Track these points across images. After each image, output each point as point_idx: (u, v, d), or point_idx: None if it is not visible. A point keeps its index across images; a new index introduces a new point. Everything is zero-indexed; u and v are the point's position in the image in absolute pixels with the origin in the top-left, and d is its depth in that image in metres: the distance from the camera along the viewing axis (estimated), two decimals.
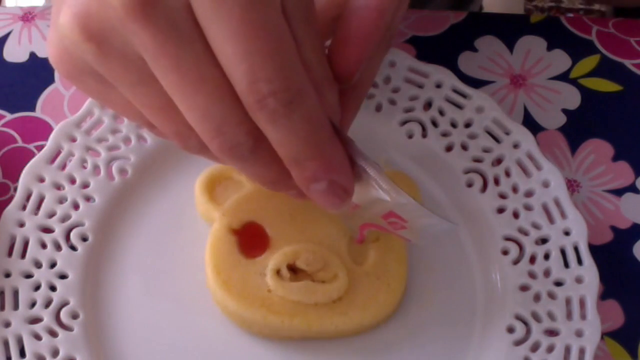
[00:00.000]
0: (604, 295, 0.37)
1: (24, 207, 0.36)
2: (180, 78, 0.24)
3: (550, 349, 0.34)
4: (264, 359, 0.35)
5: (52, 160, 0.37)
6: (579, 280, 0.36)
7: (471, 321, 0.36)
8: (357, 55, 0.29)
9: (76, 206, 0.37)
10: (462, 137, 0.39)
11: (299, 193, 0.28)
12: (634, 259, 0.38)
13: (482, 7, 0.72)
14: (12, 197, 0.37)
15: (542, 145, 0.41)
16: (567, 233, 0.37)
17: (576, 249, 0.36)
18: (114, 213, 0.37)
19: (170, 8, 0.24)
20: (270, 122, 0.25)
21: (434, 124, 0.40)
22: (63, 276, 0.35)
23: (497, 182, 0.38)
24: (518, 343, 0.35)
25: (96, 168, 0.37)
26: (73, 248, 0.36)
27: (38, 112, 0.41)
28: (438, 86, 0.40)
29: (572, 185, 0.40)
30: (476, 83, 0.42)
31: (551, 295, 0.35)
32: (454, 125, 0.39)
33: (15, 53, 0.43)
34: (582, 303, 0.35)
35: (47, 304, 0.34)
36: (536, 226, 0.37)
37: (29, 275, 0.35)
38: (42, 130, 0.41)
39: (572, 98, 0.43)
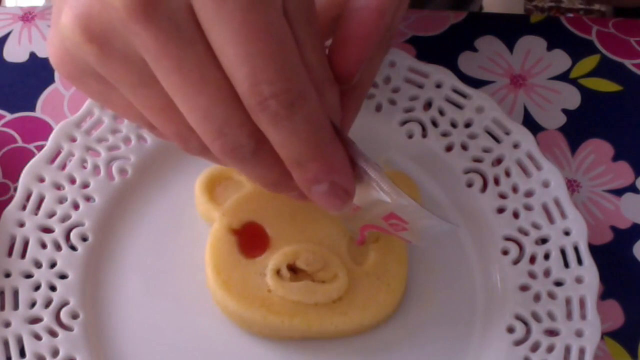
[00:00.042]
0: (604, 295, 0.37)
1: (24, 207, 0.36)
2: (181, 79, 0.24)
3: (550, 349, 0.34)
4: (264, 359, 0.35)
5: (52, 160, 0.37)
6: (579, 280, 0.36)
7: (471, 321, 0.36)
8: (358, 55, 0.29)
9: (76, 206, 0.37)
10: (462, 137, 0.39)
11: (300, 194, 0.28)
12: (634, 259, 0.38)
13: (482, 7, 0.72)
14: (12, 197, 0.37)
15: (542, 145, 0.41)
16: (567, 233, 0.37)
17: (576, 249, 0.36)
18: (114, 213, 0.37)
19: (172, 10, 0.24)
20: (271, 124, 0.25)
21: (434, 124, 0.40)
22: (63, 276, 0.35)
23: (497, 182, 0.38)
24: (518, 343, 0.35)
25: (96, 168, 0.37)
26: (73, 248, 0.36)
27: (38, 112, 0.41)
28: (438, 86, 0.40)
29: (572, 185, 0.40)
30: (476, 83, 0.42)
31: (551, 295, 0.35)
32: (454, 125, 0.39)
33: (15, 53, 0.43)
34: (582, 303, 0.35)
35: (47, 304, 0.34)
36: (536, 226, 0.37)
37: (29, 275, 0.35)
38: (42, 130, 0.41)
39: (572, 98, 0.43)
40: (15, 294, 0.34)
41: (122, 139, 0.38)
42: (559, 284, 0.36)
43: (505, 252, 0.37)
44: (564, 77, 0.43)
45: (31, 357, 0.33)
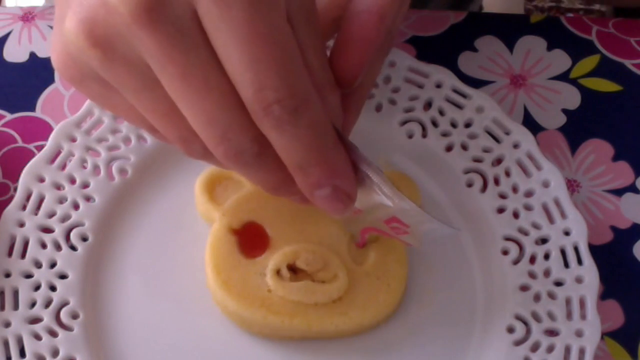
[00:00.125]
0: (604, 295, 0.37)
1: (24, 207, 0.36)
2: (186, 84, 0.24)
3: (550, 349, 0.34)
4: (263, 359, 0.35)
5: (52, 160, 0.37)
6: (579, 280, 0.36)
7: (471, 321, 0.36)
8: (359, 59, 0.29)
9: (76, 206, 0.37)
10: (462, 137, 0.39)
11: (302, 198, 0.28)
12: (634, 259, 0.38)
13: (482, 7, 0.72)
14: (12, 197, 0.37)
15: (542, 145, 0.41)
16: (567, 233, 0.37)
17: (576, 249, 0.36)
18: (114, 213, 0.37)
19: (176, 15, 0.24)
20: (275, 128, 0.25)
21: (434, 124, 0.40)
22: (63, 276, 0.35)
23: (497, 182, 0.38)
24: (518, 343, 0.35)
25: (96, 168, 0.37)
26: (73, 248, 0.36)
27: (38, 112, 0.41)
28: (438, 86, 0.40)
29: (572, 185, 0.40)
30: (476, 83, 0.42)
31: (551, 295, 0.35)
32: (454, 125, 0.39)
33: (15, 53, 0.43)
34: (582, 303, 0.35)
35: (47, 304, 0.34)
36: (536, 226, 0.37)
37: (29, 275, 0.35)
38: (42, 130, 0.41)
39: (572, 98, 0.43)
40: (15, 294, 0.34)
41: (122, 139, 0.38)
42: (559, 284, 0.36)
43: (505, 252, 0.37)
44: (564, 77, 0.43)
45: (31, 357, 0.33)
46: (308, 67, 0.26)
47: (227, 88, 0.25)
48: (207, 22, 0.24)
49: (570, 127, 0.42)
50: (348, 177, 0.27)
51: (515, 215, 0.37)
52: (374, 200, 0.29)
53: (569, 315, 0.35)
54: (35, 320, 0.34)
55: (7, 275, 0.35)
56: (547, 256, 0.36)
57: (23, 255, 0.35)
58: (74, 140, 0.38)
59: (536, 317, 0.35)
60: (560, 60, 0.44)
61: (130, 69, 0.25)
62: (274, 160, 0.26)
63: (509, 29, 0.45)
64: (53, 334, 0.34)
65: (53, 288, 0.35)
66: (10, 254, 0.35)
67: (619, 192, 0.40)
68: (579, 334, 0.34)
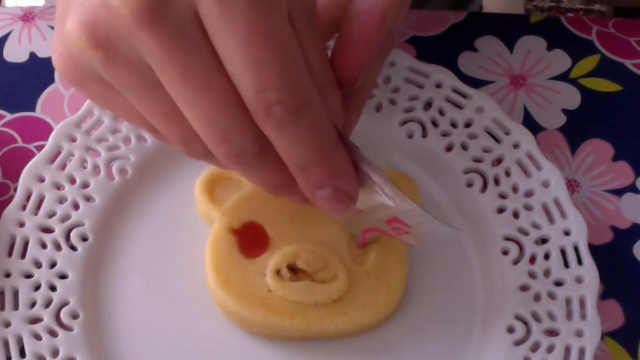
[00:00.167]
0: (604, 295, 0.37)
1: (24, 207, 0.36)
2: (187, 85, 0.24)
3: (550, 349, 0.34)
4: (263, 359, 0.35)
5: (52, 160, 0.37)
6: (579, 280, 0.36)
7: (471, 321, 0.36)
8: (360, 59, 0.29)
9: (76, 206, 0.37)
10: (462, 137, 0.39)
11: (303, 198, 0.28)
12: (634, 259, 0.38)
13: (482, 7, 0.72)
14: (12, 197, 0.37)
15: (542, 145, 0.41)
16: (567, 233, 0.37)
17: (576, 249, 0.36)
18: (114, 213, 0.37)
19: (177, 16, 0.24)
20: (276, 129, 0.25)
21: (434, 124, 0.40)
22: (63, 276, 0.35)
23: (497, 182, 0.38)
24: (518, 343, 0.35)
25: (96, 168, 0.37)
26: (73, 248, 0.36)
27: (38, 112, 0.41)
28: (438, 86, 0.40)
29: (572, 185, 0.40)
30: (476, 83, 0.42)
31: (551, 295, 0.35)
32: (454, 125, 0.39)
33: (15, 53, 0.43)
34: (582, 303, 0.35)
35: (47, 304, 0.34)
36: (536, 226, 0.37)
37: (29, 275, 0.35)
38: (42, 130, 0.41)
39: (572, 98, 0.43)
40: (15, 294, 0.34)
41: (122, 139, 0.38)
42: (559, 284, 0.36)
43: (505, 252, 0.37)
44: (564, 77, 0.43)
45: (31, 357, 0.33)
46: (309, 68, 0.26)
47: (228, 88, 0.25)
48: (209, 22, 0.24)
49: (570, 127, 0.42)
50: (349, 178, 0.27)
51: (515, 215, 0.37)
52: (375, 200, 0.29)
53: (569, 315, 0.35)
54: (35, 320, 0.34)
55: (7, 275, 0.35)
56: (547, 256, 0.36)
57: (23, 255, 0.35)
58: (74, 140, 0.38)
59: (536, 317, 0.35)
60: (560, 60, 0.44)
61: (131, 69, 0.25)
62: (274, 160, 0.26)
63: (509, 29, 0.45)
64: (53, 334, 0.34)
65: (53, 288, 0.35)
66: (10, 254, 0.35)
67: (619, 192, 0.40)
68: (579, 334, 0.35)
